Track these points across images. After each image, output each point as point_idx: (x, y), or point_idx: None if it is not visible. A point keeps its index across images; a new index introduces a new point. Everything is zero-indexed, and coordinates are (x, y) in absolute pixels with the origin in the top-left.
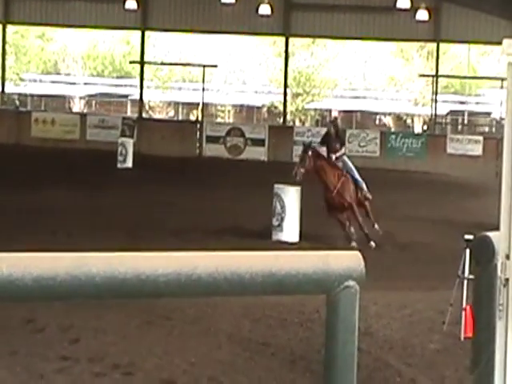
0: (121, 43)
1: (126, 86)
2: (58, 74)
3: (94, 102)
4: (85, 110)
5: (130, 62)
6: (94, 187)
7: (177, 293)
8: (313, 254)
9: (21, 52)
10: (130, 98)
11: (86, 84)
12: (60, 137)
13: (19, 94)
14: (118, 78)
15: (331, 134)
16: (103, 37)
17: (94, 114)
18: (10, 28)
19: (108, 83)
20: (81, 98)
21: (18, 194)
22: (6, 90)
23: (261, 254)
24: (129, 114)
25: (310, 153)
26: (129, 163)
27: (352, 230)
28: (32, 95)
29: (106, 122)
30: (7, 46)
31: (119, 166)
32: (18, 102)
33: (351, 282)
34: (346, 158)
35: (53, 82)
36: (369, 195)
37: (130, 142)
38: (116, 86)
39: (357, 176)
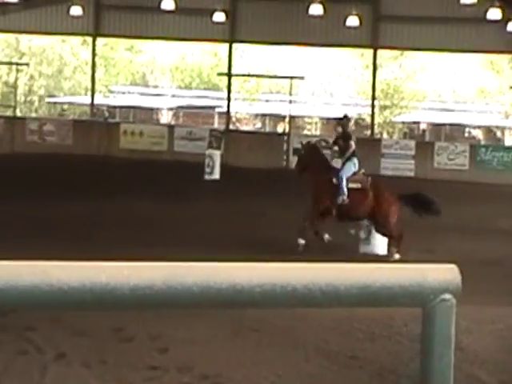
0: (208, 55)
1: (213, 98)
2: (147, 85)
3: (181, 114)
4: (172, 122)
5: (218, 74)
6: (182, 199)
7: (272, 304)
8: (408, 266)
9: (110, 64)
10: (217, 109)
11: (173, 96)
12: (148, 148)
13: (108, 106)
14: (205, 89)
15: (339, 134)
16: (191, 49)
17: (181, 126)
18: (99, 40)
19: (195, 95)
20: (169, 109)
21: (107, 204)
22: (96, 102)
23: (355, 266)
24: (216, 125)
25: (303, 152)
26: (216, 175)
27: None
28: (121, 107)
29: (194, 133)
30: (97, 59)
31: (206, 177)
32: (106, 114)
33: (447, 296)
34: (354, 159)
35: (141, 93)
36: (341, 201)
37: (217, 154)
38: (203, 97)
39: (343, 184)
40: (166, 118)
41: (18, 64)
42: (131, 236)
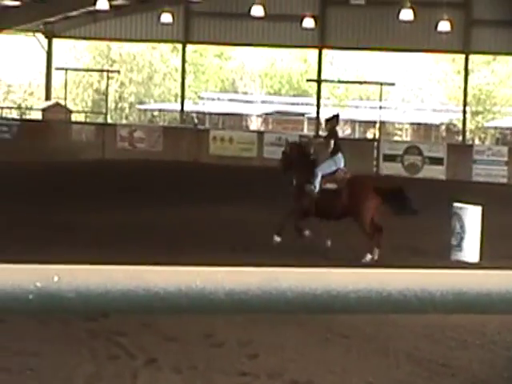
0: (298, 61)
1: (302, 104)
2: (236, 92)
3: (271, 120)
4: (262, 128)
5: (307, 80)
6: (271, 205)
7: (366, 309)
8: (504, 272)
9: (199, 71)
10: (306, 115)
11: (263, 102)
12: (237, 154)
13: (198, 113)
14: (294, 96)
15: (328, 132)
16: (281, 55)
17: (271, 132)
18: (189, 47)
19: (285, 101)
20: (258, 116)
21: (198, 209)
22: (185, 109)
23: (451, 272)
24: (305, 132)
25: (287, 149)
26: None
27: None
28: (210, 113)
29: (283, 139)
30: (187, 65)
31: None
32: (196, 121)
33: None
34: (335, 157)
35: (230, 100)
36: (308, 189)
37: None
38: (293, 104)
39: (316, 179)
40: (255, 124)
41: (108, 71)
42: (221, 241)
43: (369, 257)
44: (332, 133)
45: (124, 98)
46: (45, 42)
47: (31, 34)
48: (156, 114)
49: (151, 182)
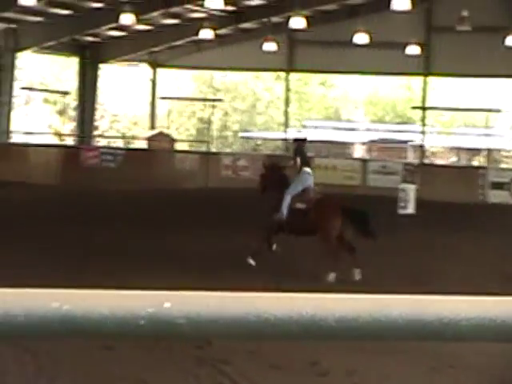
0: (402, 88)
1: (406, 131)
2: (339, 120)
3: (375, 148)
4: (366, 156)
5: (412, 108)
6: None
7: (479, 337)
8: None
9: (303, 99)
10: (410, 143)
11: (366, 130)
12: (341, 182)
13: None
14: (398, 123)
15: (296, 153)
16: (384, 82)
17: (375, 160)
18: (292, 75)
19: (389, 129)
20: (362, 143)
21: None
22: (289, 137)
23: None
24: (410, 159)
25: (263, 171)
26: (410, 209)
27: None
28: (313, 141)
29: (388, 167)
30: (290, 94)
31: (401, 211)
32: None
33: None
34: (302, 176)
35: (334, 128)
36: (277, 218)
37: (411, 188)
38: (397, 131)
39: (284, 203)
40: (359, 152)
41: (212, 100)
42: (323, 269)
43: (332, 276)
44: (297, 151)
45: (227, 127)
46: (149, 71)
47: (136, 63)
48: (259, 142)
49: (255, 210)
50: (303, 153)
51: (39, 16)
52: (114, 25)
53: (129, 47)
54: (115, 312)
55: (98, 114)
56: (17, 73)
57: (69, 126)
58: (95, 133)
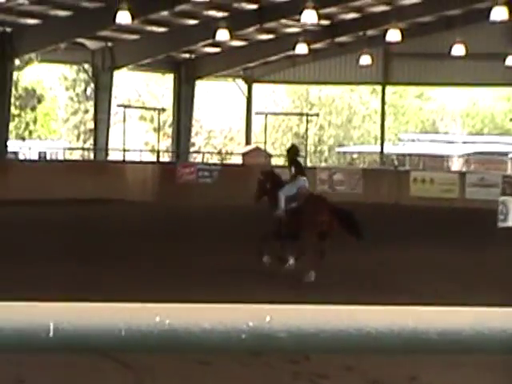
0: (501, 100)
1: (506, 143)
2: (437, 132)
3: (472, 161)
4: (463, 169)
5: (511, 120)
6: (475, 246)
7: None
8: None
9: (399, 112)
10: (510, 155)
11: (464, 142)
12: (438, 196)
13: (398, 154)
14: (497, 135)
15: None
16: (482, 94)
17: (473, 173)
18: (388, 89)
19: (487, 141)
20: (459, 156)
21: (400, 251)
22: (385, 151)
23: None
24: (509, 172)
25: (261, 178)
26: (510, 222)
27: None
28: (410, 155)
29: (486, 180)
30: (386, 107)
31: (500, 224)
32: (396, 162)
33: None
34: (297, 182)
35: (431, 141)
36: (278, 213)
37: (511, 201)
38: (495, 143)
39: (280, 201)
40: (456, 164)
41: (308, 115)
42: (425, 283)
43: (312, 275)
44: (291, 161)
45: (323, 141)
46: (244, 87)
47: (231, 79)
48: (355, 156)
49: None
50: (297, 162)
51: (135, 34)
52: (209, 41)
53: (224, 63)
54: (216, 326)
55: (193, 131)
56: (114, 91)
57: (165, 143)
58: (191, 149)
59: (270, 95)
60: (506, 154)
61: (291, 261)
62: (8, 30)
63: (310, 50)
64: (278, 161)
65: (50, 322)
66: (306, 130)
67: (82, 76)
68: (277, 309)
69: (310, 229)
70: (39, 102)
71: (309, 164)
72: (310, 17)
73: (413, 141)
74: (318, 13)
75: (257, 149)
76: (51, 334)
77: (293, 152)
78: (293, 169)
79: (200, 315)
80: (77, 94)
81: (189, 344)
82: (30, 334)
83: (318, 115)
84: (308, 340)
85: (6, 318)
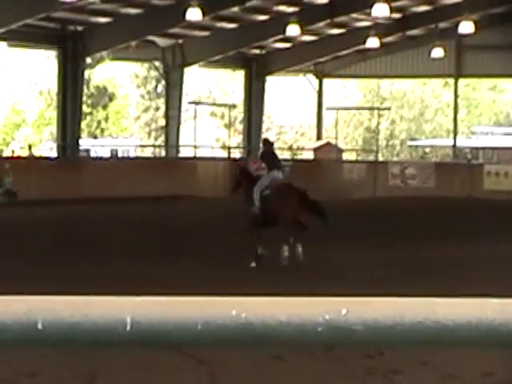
0: None
1: None
2: (511, 125)
3: None
4: None
5: None
6: None
7: None
8: None
9: (472, 105)
10: None
11: None
12: None
13: (471, 148)
14: None
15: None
16: None
17: None
18: (461, 81)
19: None
20: None
21: (473, 246)
22: (458, 144)
23: None
24: None
25: (236, 171)
26: None
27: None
28: (483, 148)
29: None
30: (459, 100)
31: None
32: (469, 156)
33: None
34: (270, 173)
35: (505, 133)
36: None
37: None
38: None
39: (255, 199)
40: None
41: (379, 109)
42: (500, 276)
43: (285, 254)
44: (265, 154)
45: (395, 135)
46: (315, 82)
47: (302, 74)
48: (428, 150)
49: (425, 219)
50: (271, 155)
51: (206, 31)
52: (280, 36)
53: (295, 58)
54: (293, 319)
55: (264, 126)
56: (184, 87)
57: (236, 139)
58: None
59: (341, 90)
60: None
61: (299, 249)
62: (79, 28)
63: (381, 43)
64: (350, 156)
65: (127, 317)
66: (378, 124)
67: (153, 73)
68: (353, 301)
69: (282, 213)
70: (111, 100)
71: (380, 158)
72: (381, 10)
73: (486, 134)
74: (389, 6)
75: (328, 144)
76: (128, 328)
77: (266, 146)
78: (264, 163)
79: (276, 308)
80: (148, 92)
81: (265, 337)
82: (107, 328)
83: (389, 109)
84: (385, 333)
85: (83, 313)
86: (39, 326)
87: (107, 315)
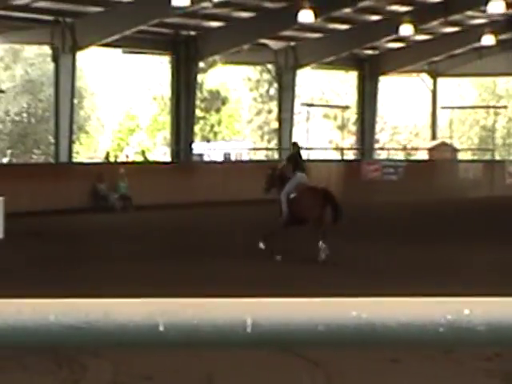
0: None
1: None
2: None
3: None
4: None
5: None
6: None
7: None
8: None
9: None
10: None
11: None
12: None
13: None
14: None
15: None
16: None
17: None
18: None
19: None
20: None
21: None
22: None
23: None
24: None
25: (270, 172)
26: None
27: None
28: None
29: None
30: None
31: None
32: None
33: None
34: (296, 177)
35: None
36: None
37: None
38: None
39: (283, 203)
40: None
41: (495, 107)
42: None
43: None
44: (293, 156)
45: None
46: (429, 81)
47: (415, 74)
48: None
49: None
50: (297, 158)
51: (318, 32)
52: (392, 36)
53: (408, 58)
54: (413, 320)
55: (377, 127)
56: (297, 90)
57: (349, 140)
58: (376, 146)
59: (456, 89)
60: None
61: (320, 243)
62: (192, 33)
63: (497, 41)
64: (465, 155)
65: (248, 318)
66: (494, 122)
67: (266, 76)
68: (476, 301)
69: (309, 214)
70: (223, 103)
71: (497, 157)
72: (496, 7)
73: None
74: (505, 2)
75: (443, 144)
76: (249, 329)
77: (294, 149)
78: (290, 165)
79: (396, 309)
80: (260, 95)
81: (385, 338)
82: (227, 330)
83: (506, 107)
84: (510, 333)
85: (204, 315)
86: (161, 329)
87: (228, 317)
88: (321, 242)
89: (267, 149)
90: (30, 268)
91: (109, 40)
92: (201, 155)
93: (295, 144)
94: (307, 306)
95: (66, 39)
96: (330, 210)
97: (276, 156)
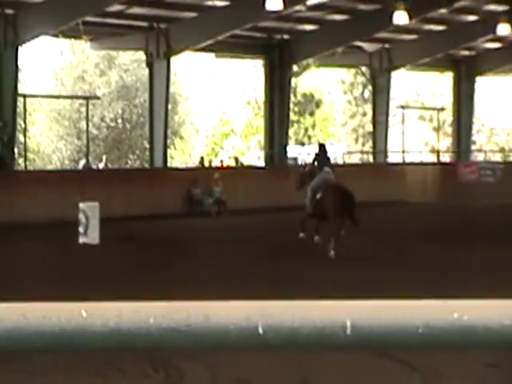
0: None
1: None
2: None
3: None
4: None
5: None
6: None
7: None
8: None
9: None
10: None
11: None
12: None
13: None
14: None
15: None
16: None
17: None
18: None
19: None
20: None
21: None
22: None
23: None
24: None
25: (302, 171)
26: None
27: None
28: None
29: None
30: None
31: None
32: None
33: None
34: (321, 174)
35: None
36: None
37: None
38: None
39: (308, 196)
40: None
41: None
42: None
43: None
44: (316, 157)
45: None
46: None
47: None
48: None
49: None
50: (323, 156)
51: (413, 34)
52: (489, 36)
53: (506, 58)
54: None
55: (474, 129)
56: (391, 92)
57: (445, 143)
58: (472, 148)
59: None
60: None
61: (316, 237)
62: (286, 37)
63: None
64: None
65: (347, 320)
66: None
67: (360, 79)
68: None
69: (330, 214)
70: (317, 106)
71: None
72: None
73: None
74: None
75: None
76: (348, 331)
77: (320, 149)
78: (315, 163)
79: (498, 311)
80: (354, 97)
81: (487, 341)
82: (327, 332)
83: None
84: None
85: (303, 318)
86: (260, 331)
87: (327, 319)
88: (317, 237)
89: (362, 152)
90: (128, 272)
91: (202, 45)
92: (295, 159)
93: (322, 145)
94: (407, 308)
95: (160, 45)
96: (347, 213)
97: (371, 159)
